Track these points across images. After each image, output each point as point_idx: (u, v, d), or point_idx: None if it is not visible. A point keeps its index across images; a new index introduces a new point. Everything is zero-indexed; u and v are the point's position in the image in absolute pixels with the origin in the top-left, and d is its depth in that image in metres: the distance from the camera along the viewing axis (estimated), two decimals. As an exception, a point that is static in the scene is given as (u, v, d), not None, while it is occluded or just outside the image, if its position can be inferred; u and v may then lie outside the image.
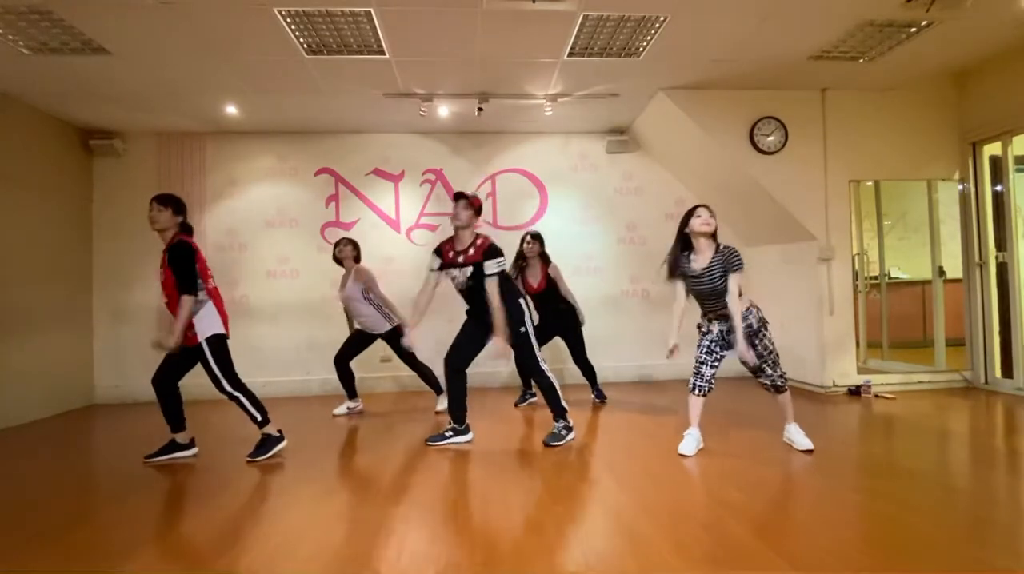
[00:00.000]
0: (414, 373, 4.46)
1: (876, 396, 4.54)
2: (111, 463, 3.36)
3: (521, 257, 4.40)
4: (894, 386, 4.76)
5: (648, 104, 4.96)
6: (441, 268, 3.35)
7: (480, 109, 4.76)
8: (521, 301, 3.35)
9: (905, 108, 4.82)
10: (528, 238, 4.39)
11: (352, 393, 4.41)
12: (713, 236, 3.00)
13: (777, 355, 3.05)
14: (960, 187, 4.89)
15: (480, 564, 1.87)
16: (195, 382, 3.30)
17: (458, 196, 3.29)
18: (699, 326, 3.16)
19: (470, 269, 3.24)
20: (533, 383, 4.46)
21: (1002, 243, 4.64)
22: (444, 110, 4.94)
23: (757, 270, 5.28)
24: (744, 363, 3.02)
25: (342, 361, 4.38)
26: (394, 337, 4.29)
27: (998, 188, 4.67)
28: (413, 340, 3.43)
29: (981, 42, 4.08)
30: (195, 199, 5.25)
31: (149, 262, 5.28)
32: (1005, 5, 3.46)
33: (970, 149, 4.79)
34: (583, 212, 5.67)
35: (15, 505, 2.59)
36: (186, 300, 3.00)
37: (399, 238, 5.59)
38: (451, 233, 3.38)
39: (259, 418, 3.19)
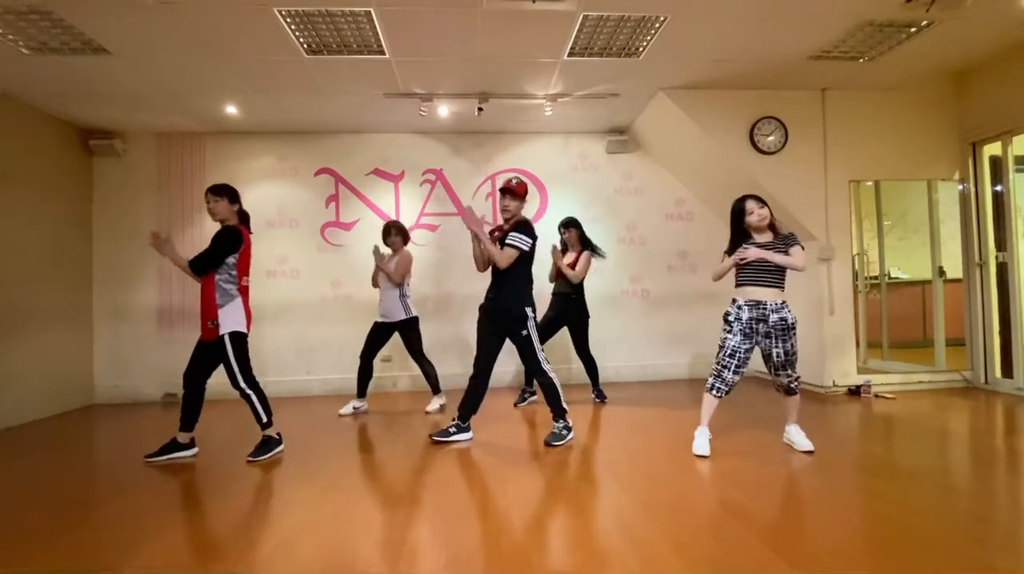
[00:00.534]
0: (417, 372, 4.46)
1: (876, 396, 4.54)
2: (111, 463, 3.36)
3: (566, 248, 4.51)
4: (894, 386, 4.76)
5: (648, 104, 4.96)
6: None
7: (480, 109, 4.76)
8: (528, 310, 3.33)
9: (905, 108, 4.82)
10: (561, 228, 4.50)
11: (362, 392, 4.40)
12: (771, 226, 2.97)
13: (797, 358, 3.01)
14: (960, 187, 4.89)
15: (480, 563, 1.87)
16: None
17: (503, 191, 3.35)
18: (726, 316, 3.01)
19: (500, 243, 3.36)
20: (534, 383, 4.47)
21: (1002, 243, 4.64)
22: (444, 110, 4.94)
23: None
24: (767, 359, 2.98)
25: (367, 358, 4.36)
26: (406, 328, 4.32)
27: (998, 188, 4.67)
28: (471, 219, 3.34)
29: (981, 42, 4.09)
30: (195, 199, 5.25)
31: (149, 262, 5.29)
32: (1005, 5, 3.46)
33: (970, 149, 4.79)
34: (583, 212, 5.64)
35: (15, 505, 2.59)
36: (187, 270, 3.04)
37: (399, 238, 5.60)
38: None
39: (264, 420, 3.20)
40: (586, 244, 4.43)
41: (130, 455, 3.32)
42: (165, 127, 5.25)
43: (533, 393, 4.62)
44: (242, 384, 3.14)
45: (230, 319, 3.10)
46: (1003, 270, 4.62)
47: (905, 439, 3.45)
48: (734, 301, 3.02)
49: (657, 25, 3.57)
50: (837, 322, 4.77)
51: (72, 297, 5.08)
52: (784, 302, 2.96)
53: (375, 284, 4.45)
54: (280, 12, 3.29)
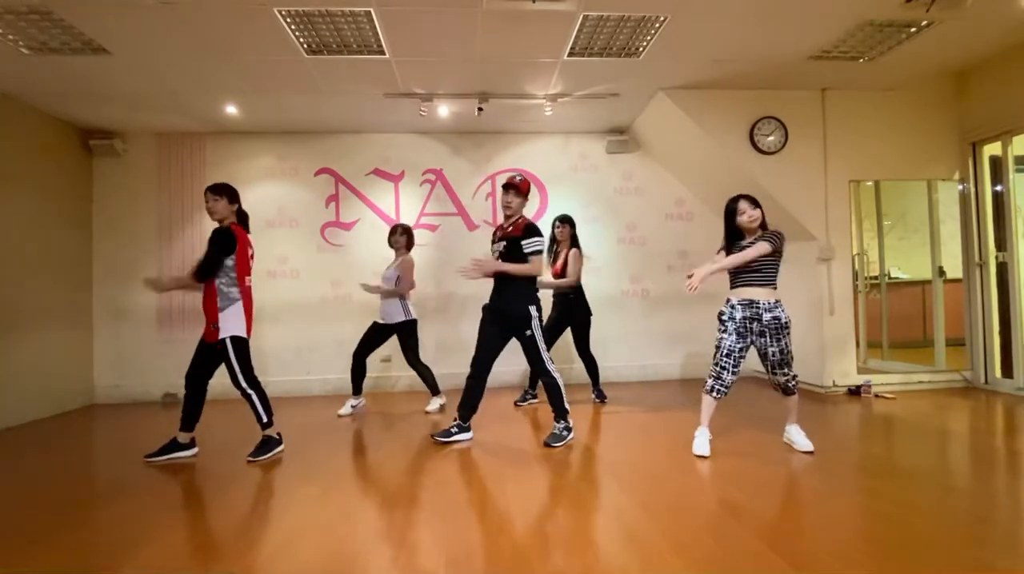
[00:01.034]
0: (415, 373, 4.45)
1: (876, 396, 4.54)
2: (111, 463, 3.36)
3: (554, 241, 4.46)
4: (894, 386, 4.76)
5: (648, 104, 4.96)
6: (494, 243, 3.50)
7: (480, 109, 4.76)
8: (532, 308, 3.32)
9: (905, 108, 4.82)
10: (557, 222, 4.44)
11: (357, 390, 4.39)
12: (762, 226, 2.98)
13: (792, 357, 3.03)
14: (960, 187, 4.89)
15: (480, 563, 1.87)
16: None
17: (506, 187, 3.36)
18: (720, 315, 3.03)
19: (504, 243, 3.36)
20: (538, 385, 4.46)
21: (1002, 243, 4.64)
22: (444, 110, 4.94)
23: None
24: (763, 358, 3.00)
25: (360, 356, 4.36)
26: (404, 331, 4.31)
27: (998, 188, 4.67)
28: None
29: (981, 42, 4.09)
30: (195, 199, 5.25)
31: (149, 262, 5.30)
32: (1005, 5, 3.46)
33: (970, 149, 4.80)
34: (583, 212, 5.66)
35: (15, 505, 2.59)
36: (195, 283, 3.07)
37: (399, 238, 5.59)
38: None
39: (265, 419, 3.21)
40: (575, 243, 4.43)
41: (130, 455, 3.32)
42: (165, 127, 5.25)
43: (535, 396, 4.61)
44: (243, 384, 3.14)
45: (231, 323, 3.10)
46: (1003, 270, 4.63)
47: (905, 439, 3.45)
48: (728, 301, 3.05)
49: (657, 25, 3.57)
50: (837, 322, 4.77)
51: (72, 297, 5.08)
52: (778, 301, 2.98)
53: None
54: (280, 12, 3.29)
